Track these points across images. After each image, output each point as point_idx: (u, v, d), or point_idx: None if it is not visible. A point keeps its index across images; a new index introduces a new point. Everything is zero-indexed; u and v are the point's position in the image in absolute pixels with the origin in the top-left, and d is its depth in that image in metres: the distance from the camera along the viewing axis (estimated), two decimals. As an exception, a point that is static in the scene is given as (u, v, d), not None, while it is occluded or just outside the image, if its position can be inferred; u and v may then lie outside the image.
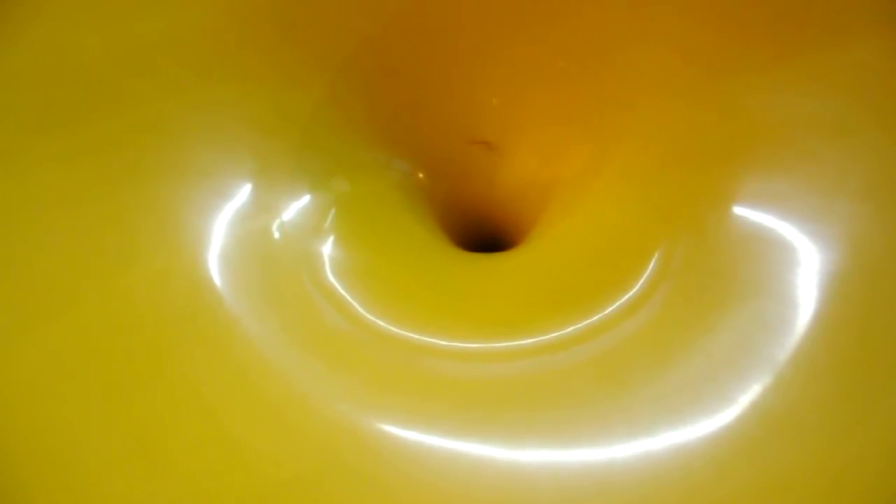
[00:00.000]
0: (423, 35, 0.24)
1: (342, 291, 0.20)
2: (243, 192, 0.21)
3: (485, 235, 0.27)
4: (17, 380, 0.18)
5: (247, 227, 0.20)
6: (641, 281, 0.19)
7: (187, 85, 0.21)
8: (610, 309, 0.19)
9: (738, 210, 0.19)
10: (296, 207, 0.21)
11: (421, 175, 0.26)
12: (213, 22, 0.22)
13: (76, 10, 0.22)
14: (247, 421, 0.17)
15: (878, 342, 0.17)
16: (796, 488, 0.15)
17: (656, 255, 0.20)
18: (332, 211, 0.22)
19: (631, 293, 0.19)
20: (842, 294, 0.18)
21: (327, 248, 0.21)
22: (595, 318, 0.19)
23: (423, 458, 0.16)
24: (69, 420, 0.17)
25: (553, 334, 0.19)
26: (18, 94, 0.21)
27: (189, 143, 0.21)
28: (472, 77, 0.25)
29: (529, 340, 0.19)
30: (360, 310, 0.19)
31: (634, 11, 0.22)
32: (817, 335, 0.17)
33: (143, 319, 0.18)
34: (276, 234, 0.20)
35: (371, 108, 0.24)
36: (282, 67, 0.22)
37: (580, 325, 0.19)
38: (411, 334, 0.19)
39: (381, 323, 0.19)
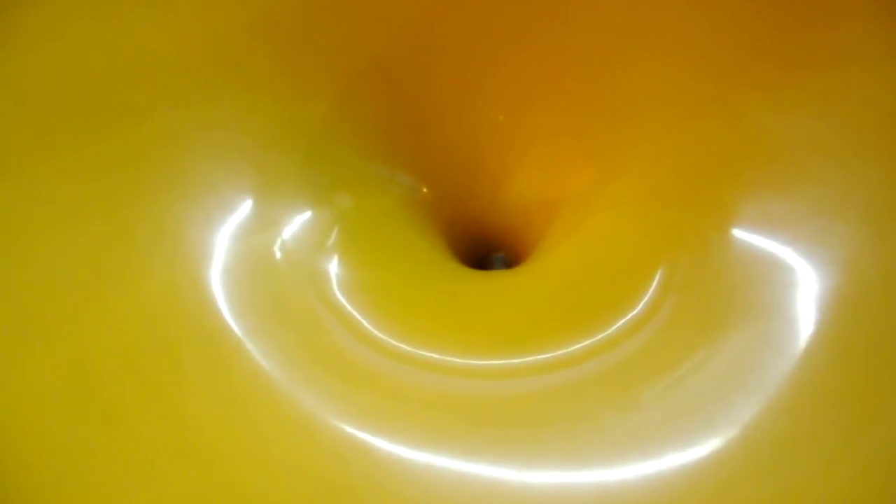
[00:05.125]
0: (430, 51, 0.24)
1: (349, 308, 0.20)
2: (247, 207, 0.20)
3: (489, 253, 0.27)
4: (13, 398, 0.17)
5: (250, 242, 0.20)
6: (645, 299, 0.19)
7: (191, 97, 0.21)
8: (615, 326, 0.19)
9: (741, 231, 0.19)
10: (299, 222, 0.21)
11: (425, 190, 0.26)
12: (219, 34, 0.22)
13: (77, 20, 0.21)
14: (251, 442, 0.17)
15: (879, 362, 0.17)
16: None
17: (659, 274, 0.20)
18: (336, 226, 0.22)
19: (635, 311, 0.19)
20: (844, 315, 0.18)
21: (332, 265, 0.21)
22: (601, 336, 0.19)
23: (434, 480, 0.16)
24: (64, 442, 0.17)
25: (559, 352, 0.19)
26: (19, 107, 0.20)
27: (192, 156, 0.21)
28: (479, 93, 0.25)
29: (537, 357, 0.19)
30: (369, 327, 0.19)
31: (642, 29, 0.23)
32: (822, 355, 0.17)
33: (144, 339, 0.18)
34: (280, 251, 0.20)
35: (376, 123, 0.24)
36: (287, 81, 0.22)
37: (586, 343, 0.19)
38: (419, 351, 0.19)
39: (389, 340, 0.19)
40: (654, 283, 0.20)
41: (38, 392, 0.17)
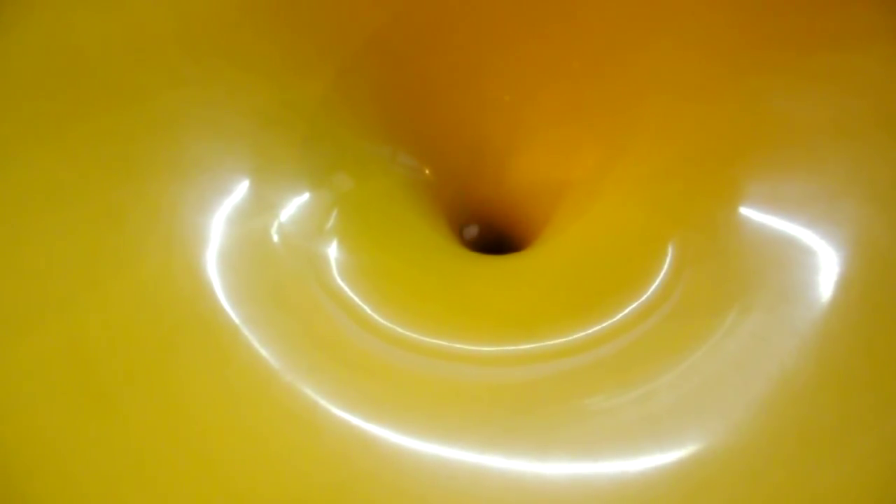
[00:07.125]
0: (434, 28, 0.23)
1: (351, 294, 0.19)
2: (244, 189, 0.20)
3: (493, 236, 0.27)
4: (4, 383, 0.17)
5: (248, 226, 0.19)
6: (656, 282, 0.19)
7: (189, 76, 0.21)
8: (628, 310, 0.19)
9: (750, 211, 0.19)
10: (298, 205, 0.21)
11: (428, 171, 0.25)
12: (218, 10, 0.21)
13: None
14: (249, 434, 0.16)
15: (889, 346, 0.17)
16: (839, 499, 0.15)
17: (669, 257, 0.19)
18: (336, 209, 0.21)
19: (647, 295, 0.19)
20: (860, 296, 0.18)
21: (332, 249, 0.20)
22: (613, 320, 0.18)
23: (443, 473, 0.16)
24: (56, 429, 0.16)
25: (570, 337, 0.18)
26: (12, 86, 0.20)
27: (188, 136, 0.20)
28: (484, 72, 0.24)
29: (547, 343, 0.18)
30: (371, 313, 0.19)
31: (650, 10, 0.22)
32: (841, 338, 0.17)
33: (138, 326, 0.17)
34: (278, 234, 0.20)
35: (377, 102, 0.23)
36: (285, 59, 0.22)
37: (598, 328, 0.18)
38: (424, 338, 0.18)
39: (392, 326, 0.18)
40: (665, 266, 0.19)
41: (29, 378, 0.17)
